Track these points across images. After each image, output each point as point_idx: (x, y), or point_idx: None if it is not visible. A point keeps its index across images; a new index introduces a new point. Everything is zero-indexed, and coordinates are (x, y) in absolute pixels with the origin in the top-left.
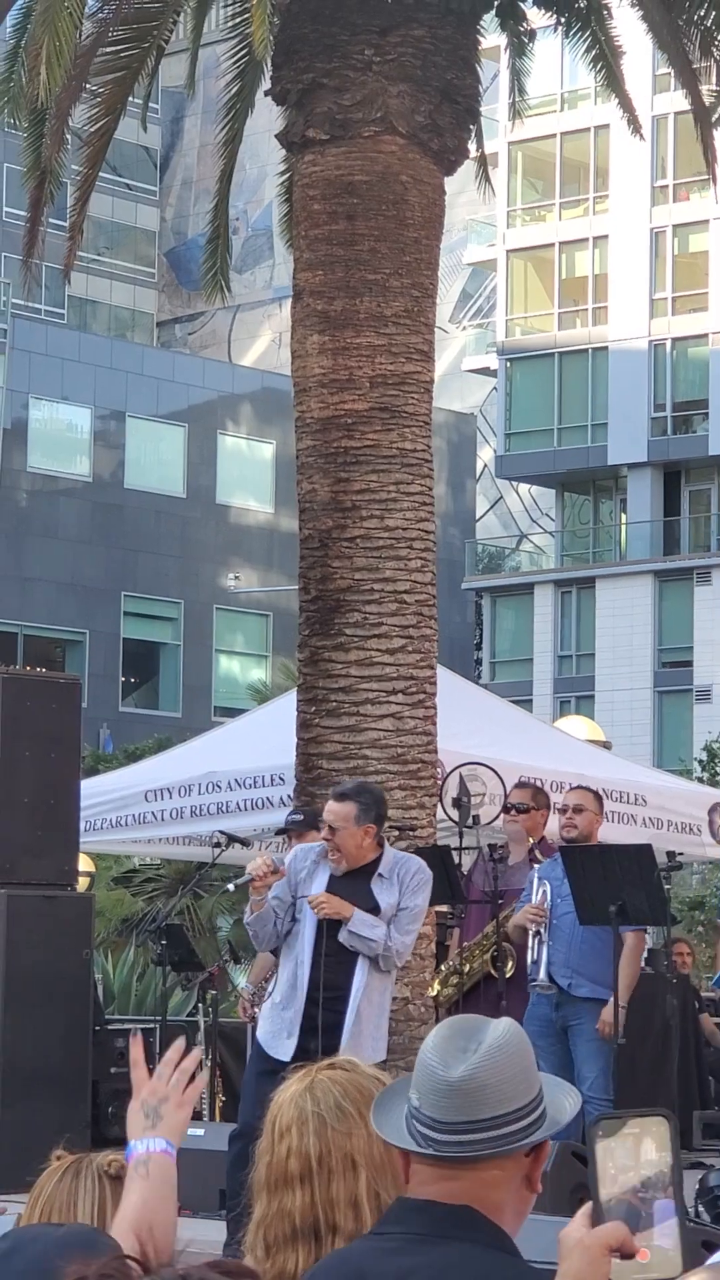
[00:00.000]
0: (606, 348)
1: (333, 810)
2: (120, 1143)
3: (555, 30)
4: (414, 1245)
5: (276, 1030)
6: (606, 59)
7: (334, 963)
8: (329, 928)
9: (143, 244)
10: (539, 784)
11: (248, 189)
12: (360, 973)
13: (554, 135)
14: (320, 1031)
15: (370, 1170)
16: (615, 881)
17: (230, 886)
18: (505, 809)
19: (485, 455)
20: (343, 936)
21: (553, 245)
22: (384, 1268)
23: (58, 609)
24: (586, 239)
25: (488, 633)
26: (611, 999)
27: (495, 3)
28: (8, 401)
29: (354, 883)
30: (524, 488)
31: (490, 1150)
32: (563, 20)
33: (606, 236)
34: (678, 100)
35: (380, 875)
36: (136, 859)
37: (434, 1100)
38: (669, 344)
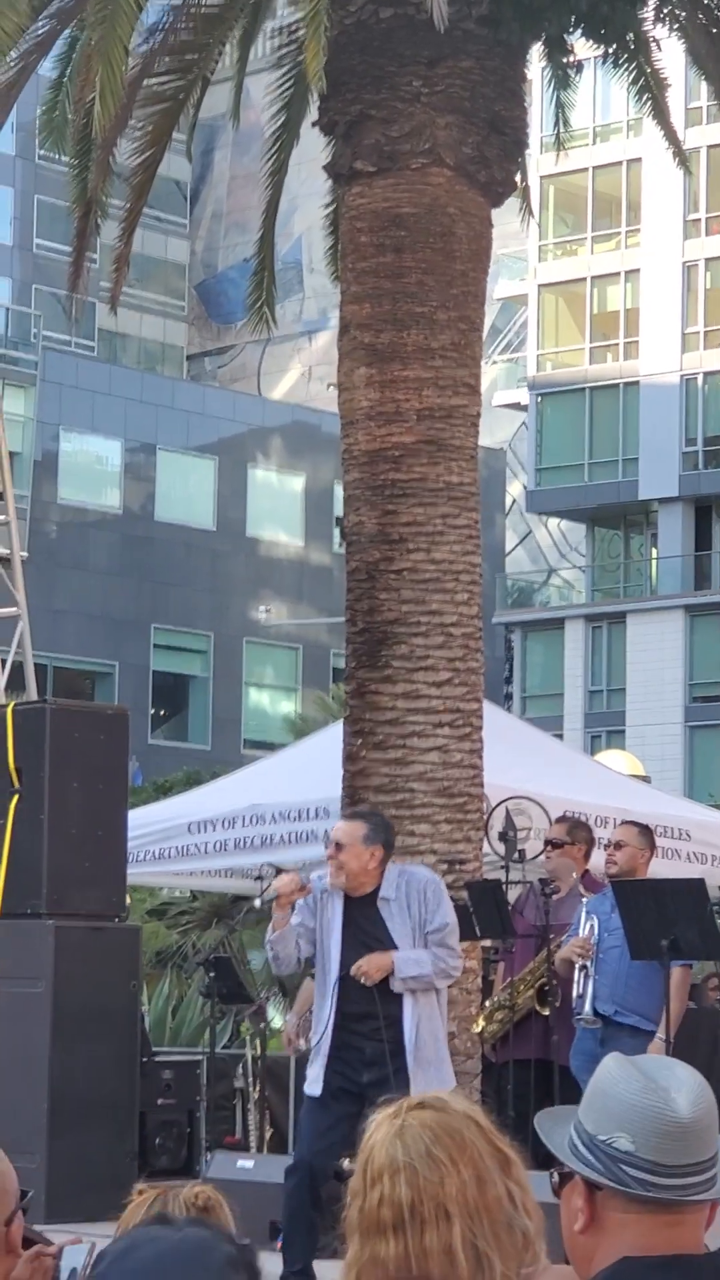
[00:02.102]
0: (638, 382)
1: (341, 828)
2: (168, 1174)
3: (603, 62)
4: None
5: (313, 1067)
6: (652, 90)
7: (361, 994)
8: (348, 960)
9: (173, 277)
10: (582, 818)
11: (278, 222)
12: (409, 1004)
13: (586, 169)
14: (367, 1064)
15: (464, 1219)
16: (668, 916)
17: (256, 903)
18: (544, 844)
19: (515, 490)
20: (396, 987)
21: (584, 279)
22: None
23: (87, 641)
24: (618, 273)
25: (518, 667)
26: (658, 1032)
27: (543, 34)
28: (38, 434)
29: (368, 909)
30: (554, 522)
31: (712, 1191)
32: (610, 52)
33: (638, 271)
34: (710, 134)
35: (384, 898)
36: (166, 891)
37: (657, 1143)
38: (700, 378)
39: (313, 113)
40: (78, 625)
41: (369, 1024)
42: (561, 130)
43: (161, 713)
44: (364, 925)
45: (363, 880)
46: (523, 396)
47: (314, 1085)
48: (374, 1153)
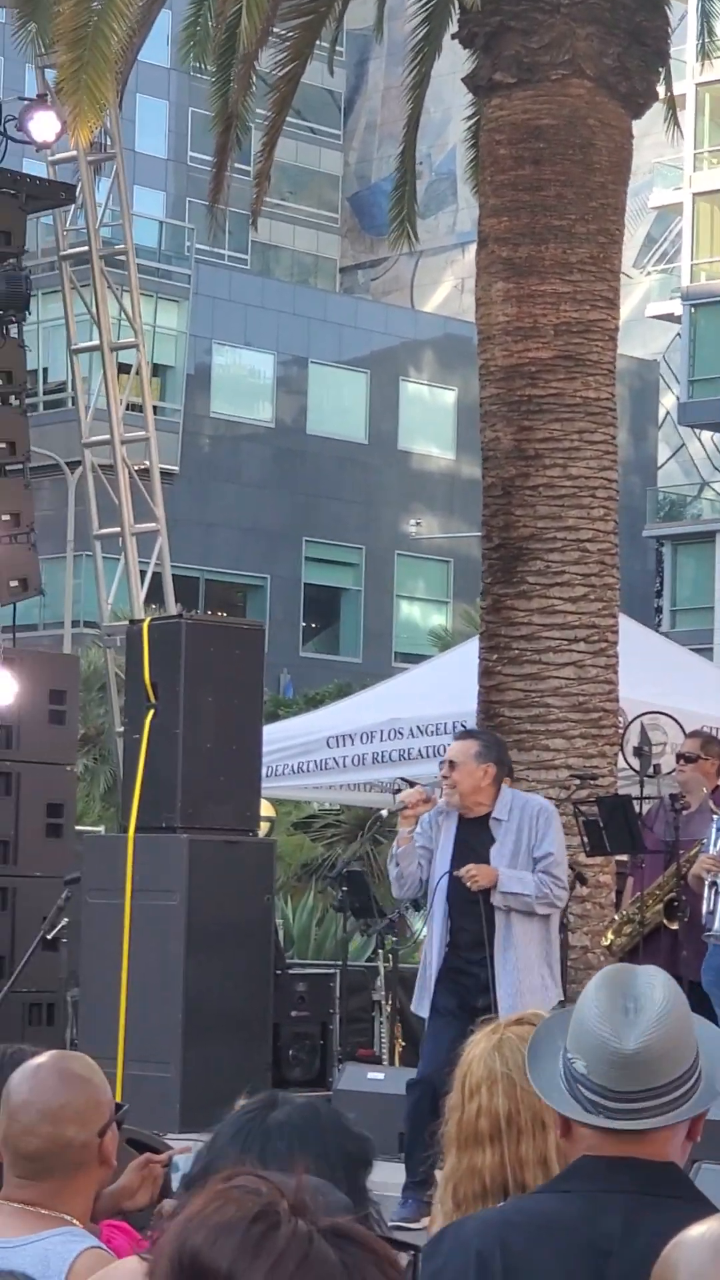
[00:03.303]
0: None
1: (454, 747)
2: (300, 1084)
3: None
4: (636, 1203)
5: (419, 988)
6: None
7: (470, 916)
8: (461, 889)
9: (326, 189)
10: (717, 733)
11: (431, 133)
12: (505, 928)
13: None
14: (482, 990)
15: None
16: None
17: (383, 812)
18: (676, 757)
19: (668, 402)
20: (496, 900)
21: None
22: (607, 1226)
23: (239, 554)
24: None
25: (668, 581)
26: None
27: None
28: (191, 347)
29: (480, 829)
30: (706, 435)
31: (662, 1118)
32: None
33: None
34: None
35: (496, 819)
36: (315, 805)
37: (605, 1071)
38: None
39: (454, 25)
40: (230, 538)
41: (480, 952)
42: (706, 40)
43: (313, 625)
44: (472, 844)
45: (477, 799)
46: (676, 308)
47: (420, 1007)
48: (472, 1066)
